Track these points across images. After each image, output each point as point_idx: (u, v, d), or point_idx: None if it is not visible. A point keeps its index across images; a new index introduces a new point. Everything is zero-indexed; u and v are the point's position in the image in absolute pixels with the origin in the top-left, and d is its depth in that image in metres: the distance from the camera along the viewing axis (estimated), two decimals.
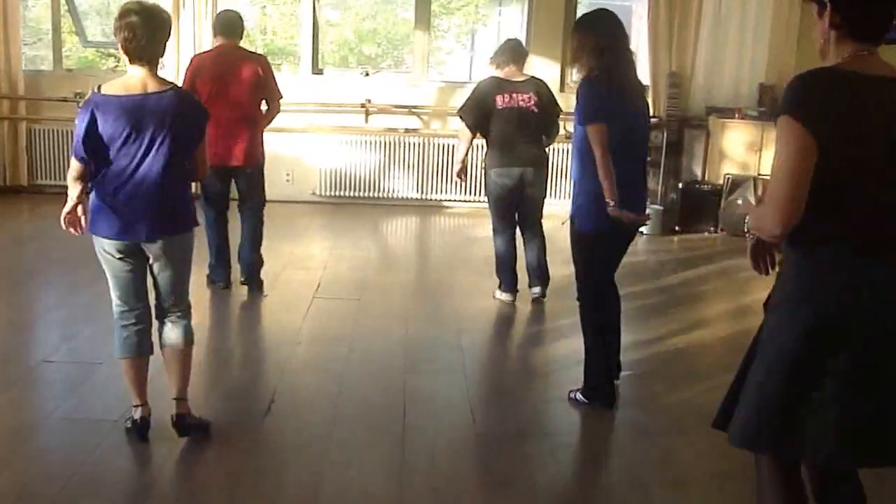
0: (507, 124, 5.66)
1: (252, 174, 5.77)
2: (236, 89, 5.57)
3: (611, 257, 4.28)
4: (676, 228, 8.50)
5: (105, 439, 3.68)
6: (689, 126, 8.85)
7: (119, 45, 3.45)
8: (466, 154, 5.95)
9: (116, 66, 10.29)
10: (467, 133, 5.82)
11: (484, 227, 8.51)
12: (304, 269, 6.62)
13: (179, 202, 3.61)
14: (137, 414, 3.67)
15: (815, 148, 2.20)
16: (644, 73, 8.85)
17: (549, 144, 5.91)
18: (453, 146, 8.81)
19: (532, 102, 5.66)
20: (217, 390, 4.37)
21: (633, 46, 4.36)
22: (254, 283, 5.90)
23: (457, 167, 6.07)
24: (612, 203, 3.95)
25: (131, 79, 3.46)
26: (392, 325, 5.46)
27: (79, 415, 3.97)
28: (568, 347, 4.98)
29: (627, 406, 4.38)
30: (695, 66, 8.84)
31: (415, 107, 8.91)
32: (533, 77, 5.84)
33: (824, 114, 2.22)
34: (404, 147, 8.89)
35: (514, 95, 5.67)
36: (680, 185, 8.51)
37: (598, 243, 4.13)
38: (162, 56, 3.55)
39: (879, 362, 2.28)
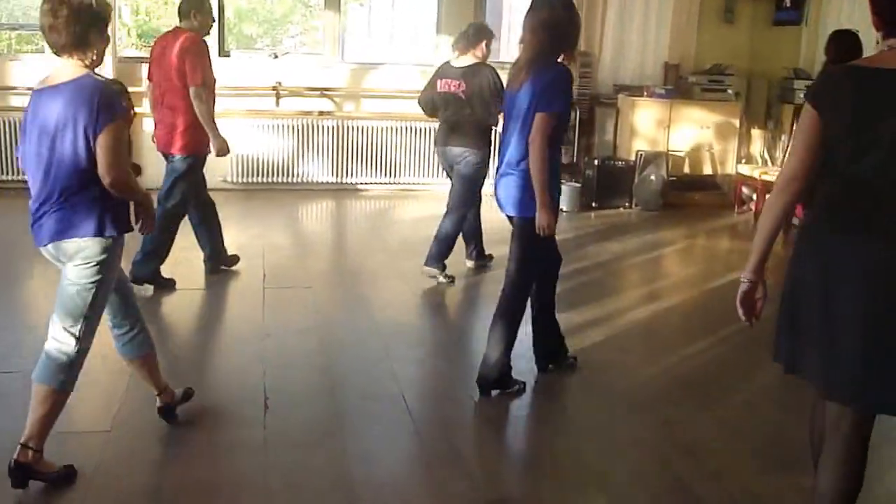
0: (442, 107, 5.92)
1: (170, 161, 5.49)
2: (160, 71, 5.46)
3: None
4: (593, 204, 8.67)
5: (103, 452, 3.45)
6: (600, 104, 9.03)
7: None
8: None
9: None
10: None
11: (403, 209, 8.52)
12: (242, 258, 6.39)
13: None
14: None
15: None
16: None
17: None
18: (368, 128, 8.77)
19: (460, 89, 5.76)
20: (203, 388, 4.13)
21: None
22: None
23: None
24: None
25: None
26: (354, 313, 5.37)
27: (64, 428, 3.64)
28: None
29: (613, 378, 4.49)
30: (602, 46, 9.02)
31: (327, 89, 8.73)
32: (476, 64, 5.82)
33: None
34: (318, 130, 8.69)
35: (449, 81, 5.84)
36: (596, 162, 8.67)
37: None
38: (89, 45, 3.09)
39: None
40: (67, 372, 3.21)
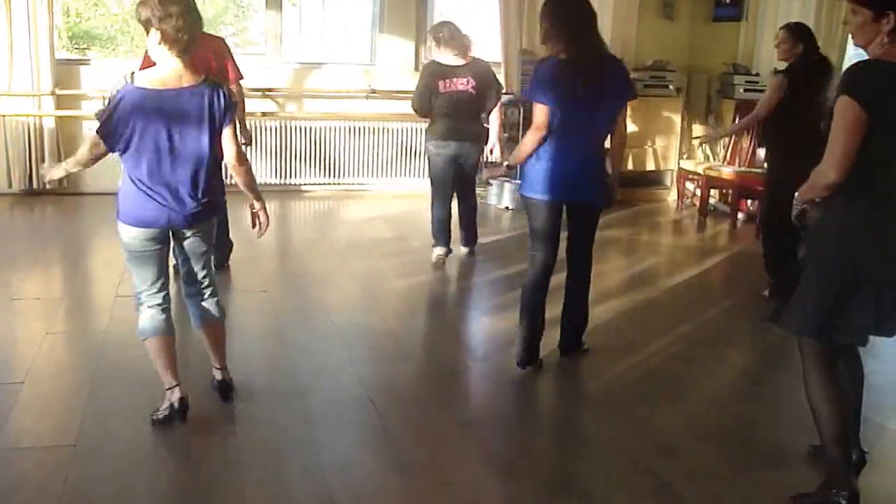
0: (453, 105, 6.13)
1: None
2: None
3: None
4: None
5: (69, 467, 3.34)
6: None
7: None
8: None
9: None
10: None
11: (348, 209, 8.46)
12: None
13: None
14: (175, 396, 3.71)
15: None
16: (496, 52, 9.02)
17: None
18: (311, 129, 8.68)
19: (470, 86, 6.09)
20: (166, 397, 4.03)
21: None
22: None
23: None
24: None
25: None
26: (313, 316, 5.30)
27: (27, 444, 3.57)
28: (495, 326, 5.09)
29: (580, 378, 4.51)
30: None
31: (269, 90, 8.61)
32: (475, 59, 6.21)
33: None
34: (261, 131, 8.57)
35: (455, 80, 6.08)
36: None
37: None
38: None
39: None
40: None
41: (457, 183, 6.34)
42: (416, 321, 5.50)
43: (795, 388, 4.46)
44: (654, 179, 9.37)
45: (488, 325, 5.27)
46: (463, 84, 6.06)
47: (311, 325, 5.14)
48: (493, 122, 6.34)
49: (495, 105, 6.29)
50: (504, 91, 8.84)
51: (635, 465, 3.58)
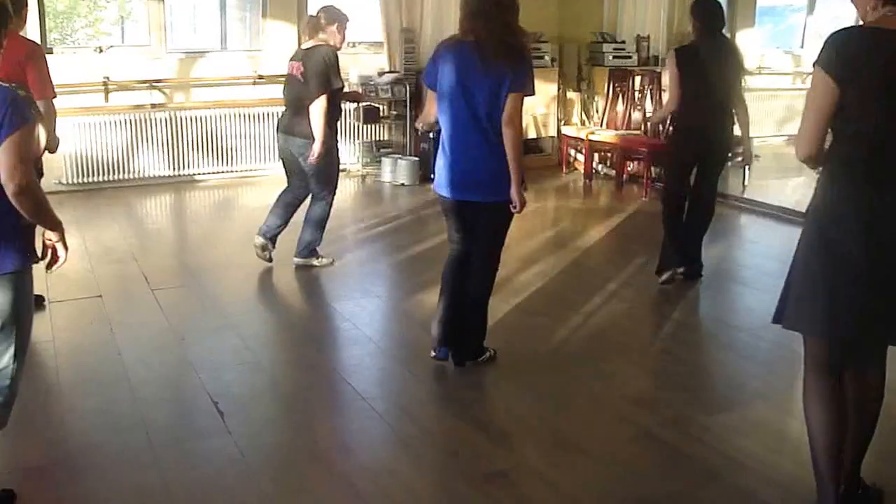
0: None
1: None
2: None
3: None
4: (431, 177, 8.90)
5: (69, 486, 3.28)
6: None
7: None
8: None
9: None
10: None
11: (247, 196, 8.46)
12: (116, 262, 6.14)
13: None
14: None
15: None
16: (378, 31, 9.18)
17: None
18: (201, 118, 8.62)
19: (298, 72, 5.68)
20: (142, 403, 3.95)
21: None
22: None
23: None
24: None
25: None
26: (264, 305, 5.43)
27: (13, 465, 3.38)
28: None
29: (535, 343, 4.76)
30: (423, 22, 9.26)
31: (157, 81, 8.48)
32: (316, 46, 5.67)
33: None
34: (151, 124, 8.45)
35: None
36: (431, 135, 8.92)
37: None
38: None
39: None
40: None
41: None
42: (356, 304, 5.61)
43: (730, 334, 4.96)
44: (535, 147, 9.76)
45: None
46: (295, 68, 5.75)
47: (265, 315, 5.18)
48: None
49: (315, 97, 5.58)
50: (390, 69, 9.13)
51: (617, 418, 3.89)
